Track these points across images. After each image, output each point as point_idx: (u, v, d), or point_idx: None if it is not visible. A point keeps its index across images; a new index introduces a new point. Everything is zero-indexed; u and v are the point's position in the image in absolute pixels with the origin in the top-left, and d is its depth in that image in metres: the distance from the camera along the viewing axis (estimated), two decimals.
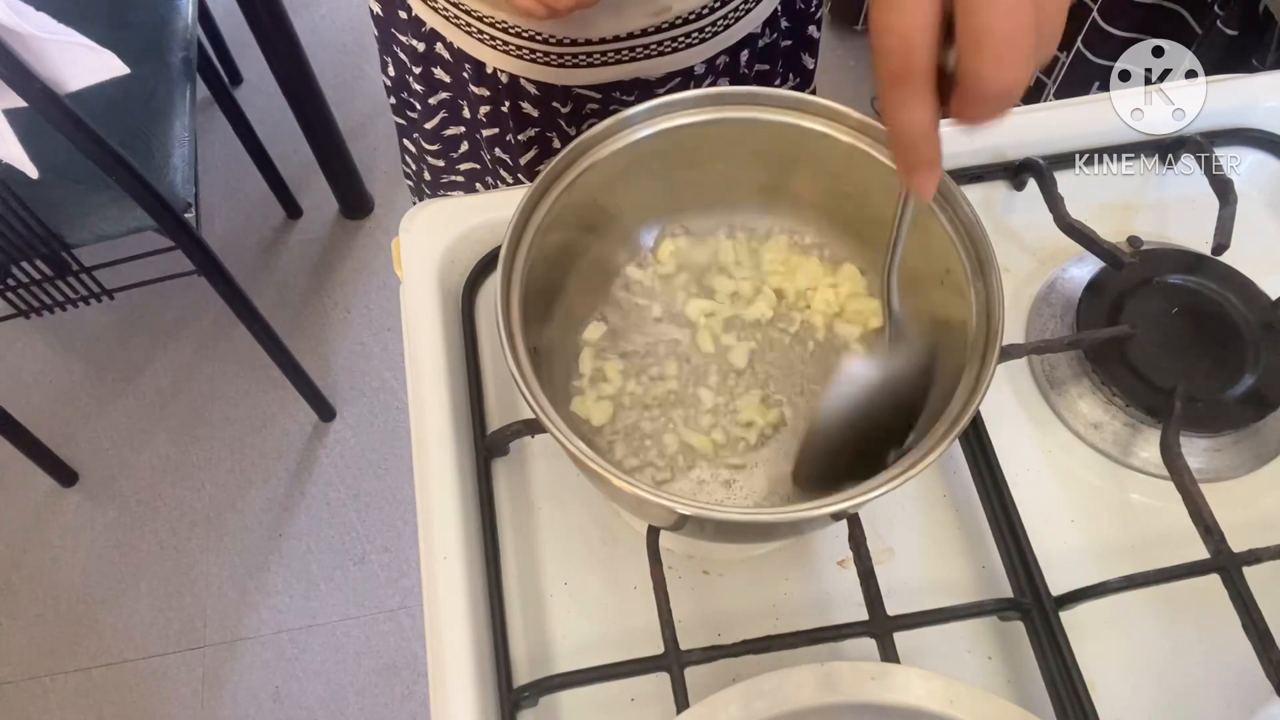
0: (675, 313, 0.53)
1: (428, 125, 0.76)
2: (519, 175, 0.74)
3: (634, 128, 0.48)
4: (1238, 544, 0.46)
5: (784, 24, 0.72)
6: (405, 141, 0.83)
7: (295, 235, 1.72)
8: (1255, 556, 0.46)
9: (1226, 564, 0.45)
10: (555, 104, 0.67)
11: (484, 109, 0.69)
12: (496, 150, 0.73)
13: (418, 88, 0.73)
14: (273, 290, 1.65)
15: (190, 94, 1.19)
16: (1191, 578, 0.46)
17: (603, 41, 0.62)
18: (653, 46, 0.63)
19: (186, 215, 1.11)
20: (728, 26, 0.65)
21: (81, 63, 0.86)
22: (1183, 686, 0.48)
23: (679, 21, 0.62)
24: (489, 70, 0.66)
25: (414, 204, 0.88)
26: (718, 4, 0.63)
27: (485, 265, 0.57)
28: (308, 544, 1.44)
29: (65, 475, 1.48)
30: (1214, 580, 0.45)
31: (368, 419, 1.54)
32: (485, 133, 0.72)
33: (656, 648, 0.45)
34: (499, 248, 0.44)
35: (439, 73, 0.70)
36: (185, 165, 1.13)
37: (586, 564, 0.51)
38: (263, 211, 1.72)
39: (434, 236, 0.56)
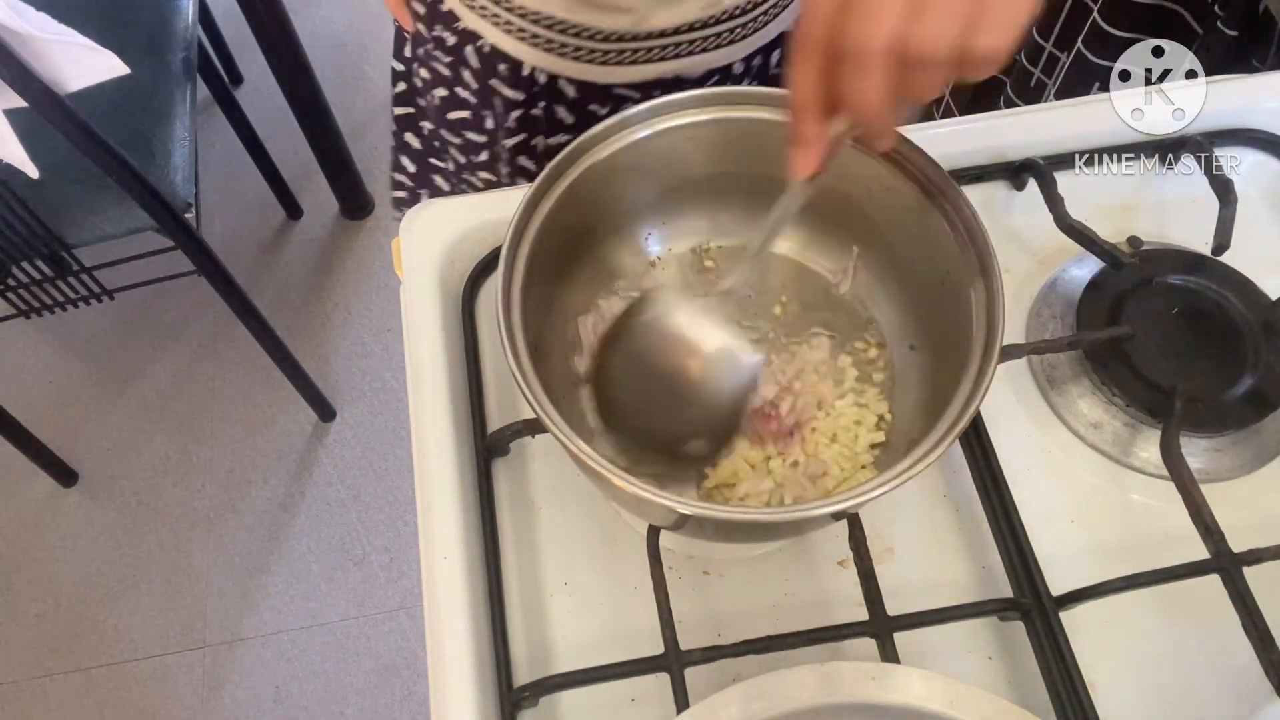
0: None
1: (450, 115, 0.73)
2: None
3: (634, 128, 0.48)
4: (1238, 544, 0.46)
5: None
6: (408, 135, 0.80)
7: (295, 235, 1.72)
8: (1255, 556, 0.46)
9: (1226, 564, 0.45)
10: (593, 107, 0.66)
11: (515, 113, 0.68)
12: (520, 158, 0.72)
13: (445, 72, 0.70)
14: (273, 290, 1.65)
15: (190, 94, 1.18)
16: (1191, 578, 0.46)
17: (650, 36, 0.62)
18: (698, 42, 0.63)
19: (186, 215, 1.11)
20: (769, 20, 0.65)
21: (82, 63, 0.86)
22: (1183, 687, 0.48)
23: (725, 16, 0.62)
24: (526, 71, 0.65)
25: (395, 218, 0.87)
26: None
27: (485, 265, 0.57)
28: (308, 544, 1.44)
29: (65, 475, 1.48)
30: (1214, 580, 0.45)
31: (368, 419, 1.54)
32: (509, 142, 0.70)
33: (656, 648, 0.45)
34: (499, 248, 0.44)
35: (467, 75, 0.69)
36: (185, 165, 1.13)
37: (586, 564, 0.51)
38: (263, 211, 1.71)
39: (434, 237, 0.56)
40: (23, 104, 0.86)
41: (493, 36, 0.64)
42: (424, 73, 0.72)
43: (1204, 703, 0.47)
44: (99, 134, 0.94)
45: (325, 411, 1.53)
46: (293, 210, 1.72)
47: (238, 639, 1.37)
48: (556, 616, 0.50)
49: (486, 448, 0.52)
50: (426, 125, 0.78)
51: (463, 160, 0.77)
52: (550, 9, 0.61)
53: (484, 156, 0.74)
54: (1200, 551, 0.46)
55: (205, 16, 1.44)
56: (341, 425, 1.53)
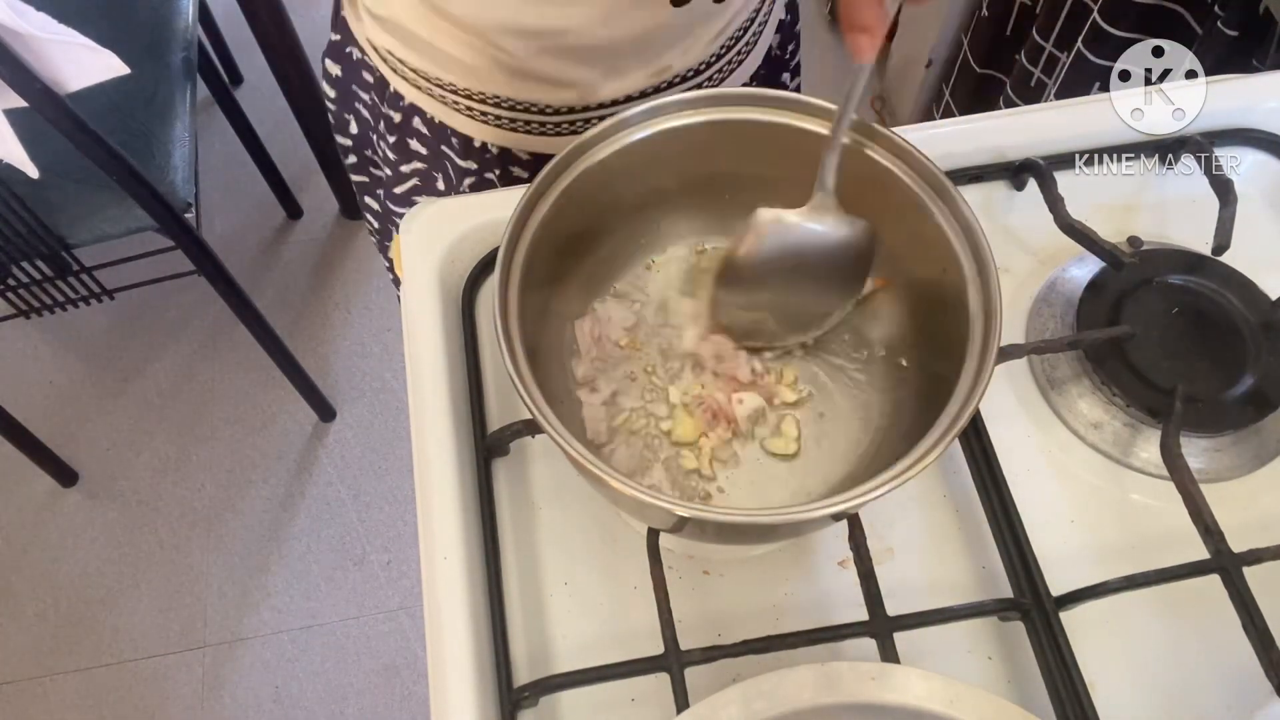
0: (672, 311, 0.53)
1: (398, 190, 0.73)
2: None
3: (632, 129, 0.48)
4: (1238, 544, 0.46)
5: (762, 72, 0.71)
6: (367, 198, 0.81)
7: (295, 235, 1.72)
8: (1255, 556, 0.46)
9: (1226, 564, 0.45)
10: None
11: (469, 180, 0.67)
12: None
13: (390, 155, 0.70)
14: (273, 290, 1.65)
15: (190, 94, 1.19)
16: (1191, 578, 0.46)
17: (600, 106, 0.61)
18: None
19: (186, 215, 1.11)
20: (722, 80, 0.64)
21: (82, 63, 0.86)
22: (1183, 687, 0.48)
23: (677, 80, 0.62)
24: (477, 144, 0.64)
25: (385, 260, 0.87)
26: (713, 59, 0.62)
27: (485, 265, 0.57)
28: (308, 544, 1.44)
29: (65, 475, 1.48)
30: (1214, 580, 0.45)
31: (368, 419, 1.54)
32: None
33: (656, 648, 0.45)
34: (499, 247, 0.44)
35: (414, 144, 0.68)
36: (185, 165, 1.13)
37: (586, 564, 0.51)
38: (263, 211, 1.72)
39: (434, 237, 0.56)
40: (23, 104, 0.86)
41: (440, 114, 0.64)
42: (380, 149, 0.72)
43: (1204, 703, 0.47)
44: (99, 134, 0.94)
45: (325, 411, 1.53)
46: (293, 210, 1.72)
47: (238, 639, 1.37)
48: (556, 616, 0.50)
49: (486, 448, 0.52)
50: (381, 193, 0.78)
51: None
52: (495, 89, 0.60)
53: None
54: (1200, 551, 0.46)
55: (205, 16, 1.44)
56: (341, 425, 1.53)
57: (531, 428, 0.51)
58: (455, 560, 0.47)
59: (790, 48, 0.75)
